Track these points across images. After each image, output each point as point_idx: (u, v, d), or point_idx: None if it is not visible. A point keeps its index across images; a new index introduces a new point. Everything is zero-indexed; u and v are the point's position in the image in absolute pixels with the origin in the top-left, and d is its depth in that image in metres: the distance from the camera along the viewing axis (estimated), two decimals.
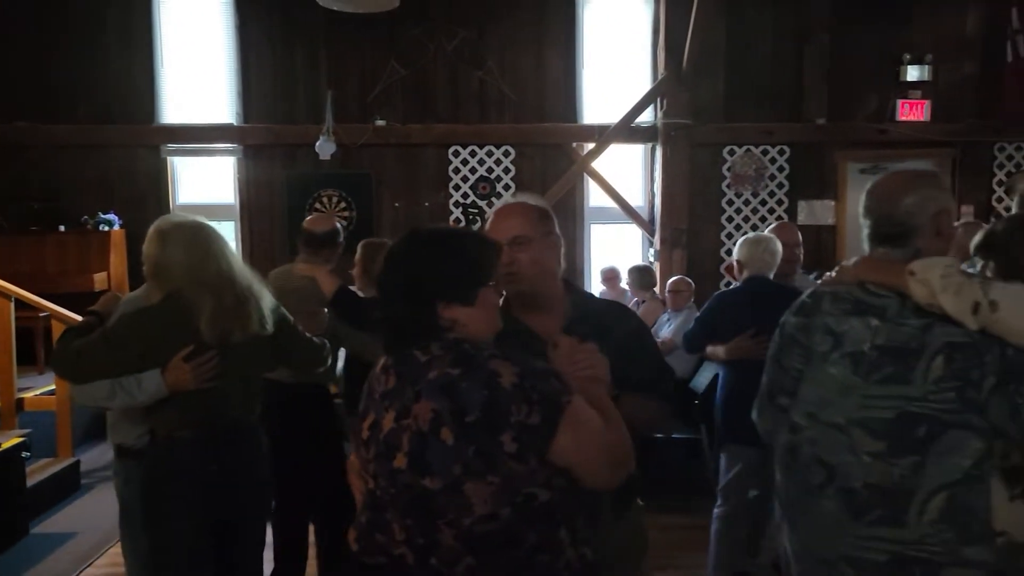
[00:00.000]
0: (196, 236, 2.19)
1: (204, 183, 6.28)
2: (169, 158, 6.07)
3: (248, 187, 6.06)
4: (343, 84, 5.94)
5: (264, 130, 5.97)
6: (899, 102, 6.03)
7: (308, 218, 3.38)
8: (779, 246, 3.41)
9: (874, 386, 1.66)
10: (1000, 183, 6.16)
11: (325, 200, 5.96)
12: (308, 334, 2.56)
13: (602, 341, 1.74)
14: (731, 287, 3.61)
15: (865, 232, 1.80)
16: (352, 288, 3.20)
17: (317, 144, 5.68)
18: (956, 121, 6.07)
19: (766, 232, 3.49)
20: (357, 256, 3.38)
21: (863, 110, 6.12)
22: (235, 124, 6.03)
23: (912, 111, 6.03)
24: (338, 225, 3.35)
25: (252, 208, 6.02)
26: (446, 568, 1.35)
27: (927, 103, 6.03)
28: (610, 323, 1.88)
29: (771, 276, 3.35)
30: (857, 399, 1.68)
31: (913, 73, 6.00)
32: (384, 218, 5.99)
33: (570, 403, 1.38)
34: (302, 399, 2.91)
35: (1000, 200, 6.17)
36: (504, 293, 1.70)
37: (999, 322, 1.51)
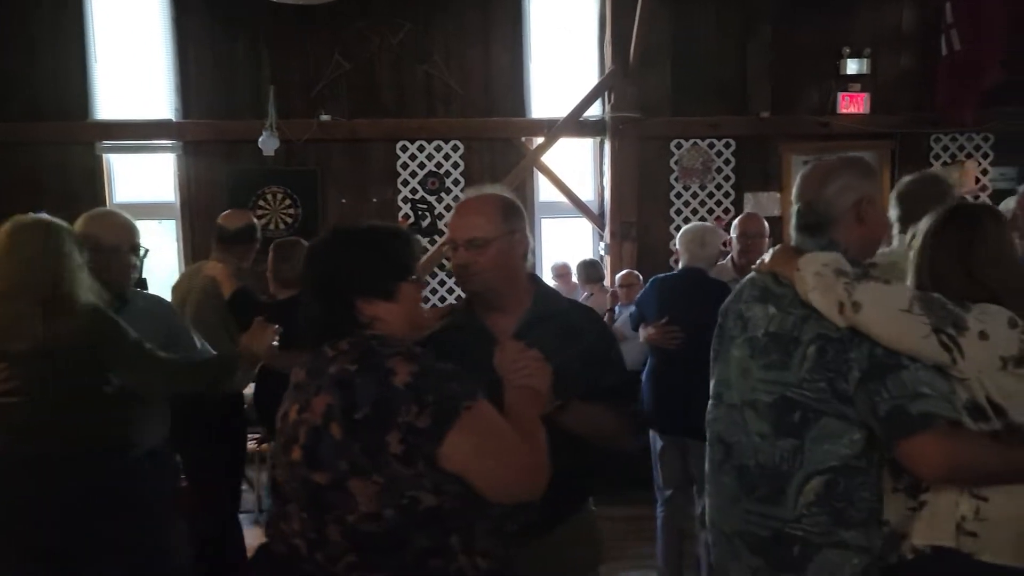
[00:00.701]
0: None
1: (142, 181, 6.07)
2: (105, 155, 5.85)
3: (189, 185, 5.88)
4: (286, 78, 5.80)
5: (205, 126, 5.80)
6: (840, 95, 6.14)
7: (223, 213, 3.26)
8: (714, 237, 3.44)
9: (762, 370, 1.73)
10: None
11: (270, 197, 5.83)
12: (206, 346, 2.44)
13: (564, 344, 1.73)
14: (668, 273, 3.68)
15: (792, 221, 1.84)
16: (248, 289, 3.11)
17: (260, 140, 5.55)
18: (894, 113, 6.21)
19: (737, 221, 3.55)
20: (269, 257, 3.32)
21: (806, 103, 6.22)
22: (174, 120, 5.85)
23: (852, 104, 6.16)
24: (254, 221, 3.26)
25: (193, 206, 5.85)
26: (330, 564, 1.34)
27: (867, 96, 6.16)
28: (575, 326, 1.82)
29: (707, 267, 3.37)
30: (751, 382, 1.75)
31: (853, 66, 6.12)
32: (331, 214, 5.88)
33: (469, 409, 1.32)
34: (209, 404, 2.76)
35: None
36: (424, 285, 1.69)
37: (861, 322, 1.55)
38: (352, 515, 1.32)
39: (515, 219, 1.79)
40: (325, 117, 5.76)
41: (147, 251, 2.47)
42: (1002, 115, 6.06)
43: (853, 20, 6.18)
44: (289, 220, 5.83)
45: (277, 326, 2.31)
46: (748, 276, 1.91)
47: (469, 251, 1.73)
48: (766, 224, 3.63)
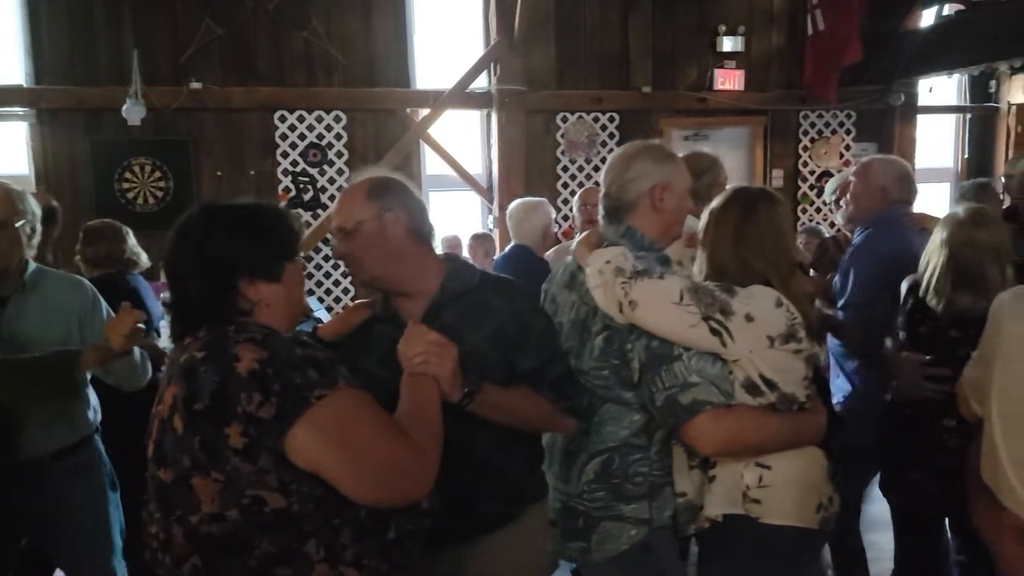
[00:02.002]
0: None
1: None
2: None
3: (45, 156, 5.44)
4: (152, 43, 5.45)
5: (61, 92, 5.37)
6: (716, 72, 6.36)
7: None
8: (536, 213, 3.40)
9: (574, 359, 1.81)
10: (805, 148, 6.68)
11: (137, 169, 5.47)
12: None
13: (474, 325, 1.66)
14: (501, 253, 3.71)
15: None
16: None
17: (124, 108, 5.19)
18: (766, 90, 6.50)
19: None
20: (79, 239, 3.31)
21: (685, 79, 6.41)
22: (25, 86, 5.39)
23: (728, 80, 6.38)
24: (54, 204, 3.31)
25: (51, 179, 5.41)
26: (175, 567, 1.24)
27: (741, 73, 6.40)
28: (486, 304, 1.69)
29: (532, 243, 3.34)
30: None
31: (728, 44, 6.34)
32: (205, 187, 5.59)
33: (322, 399, 1.20)
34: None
35: (805, 164, 6.70)
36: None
37: (639, 319, 1.65)
38: (195, 516, 1.22)
39: (386, 197, 1.65)
40: (196, 84, 5.45)
41: (54, 211, 2.25)
42: (862, 94, 6.45)
43: None
44: (159, 194, 5.50)
45: (142, 312, 2.16)
46: (567, 258, 1.97)
47: (342, 241, 1.64)
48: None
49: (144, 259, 3.50)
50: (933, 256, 2.23)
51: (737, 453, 1.71)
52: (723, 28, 6.34)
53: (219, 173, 5.64)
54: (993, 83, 6.96)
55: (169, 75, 5.48)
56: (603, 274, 1.67)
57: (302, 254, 1.46)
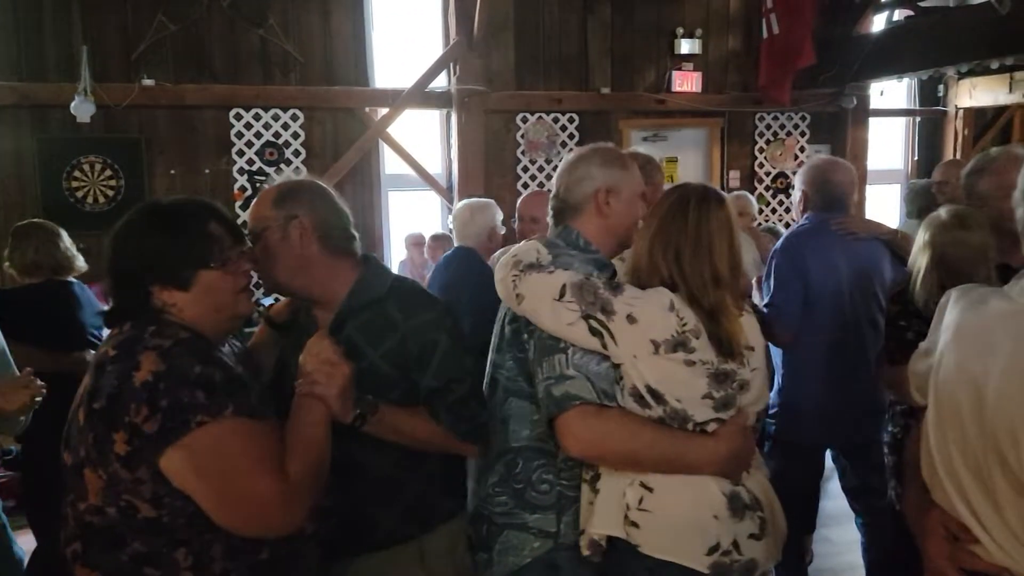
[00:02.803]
0: None
1: None
2: None
3: None
4: (102, 38, 5.31)
5: (6, 88, 5.20)
6: (674, 74, 6.42)
7: None
8: (481, 215, 3.31)
9: (492, 352, 1.79)
10: (760, 150, 6.79)
11: (87, 168, 5.33)
12: None
13: (376, 340, 1.55)
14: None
15: None
16: None
17: (73, 105, 5.04)
18: (723, 92, 6.59)
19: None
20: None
21: (643, 81, 6.46)
22: None
23: (686, 82, 6.45)
24: None
25: None
26: (65, 546, 1.30)
27: (699, 75, 6.48)
28: (389, 318, 1.59)
29: (476, 244, 3.27)
30: (492, 364, 1.79)
31: (686, 47, 6.41)
32: (159, 187, 5.47)
33: (202, 426, 1.20)
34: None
35: (761, 166, 6.80)
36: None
37: (528, 312, 1.61)
38: (83, 503, 1.26)
39: (293, 204, 1.57)
40: (148, 81, 5.33)
41: None
42: (816, 97, 6.57)
43: (686, 1, 6.46)
44: (110, 193, 5.37)
45: (42, 385, 2.09)
46: None
47: (253, 245, 1.58)
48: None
49: (80, 263, 3.27)
50: (918, 259, 2.21)
51: (605, 459, 1.58)
52: (680, 31, 6.41)
53: (173, 172, 5.52)
54: (941, 87, 7.16)
55: (120, 72, 5.35)
56: (504, 267, 1.65)
57: (226, 262, 1.38)
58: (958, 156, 6.93)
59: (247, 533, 1.27)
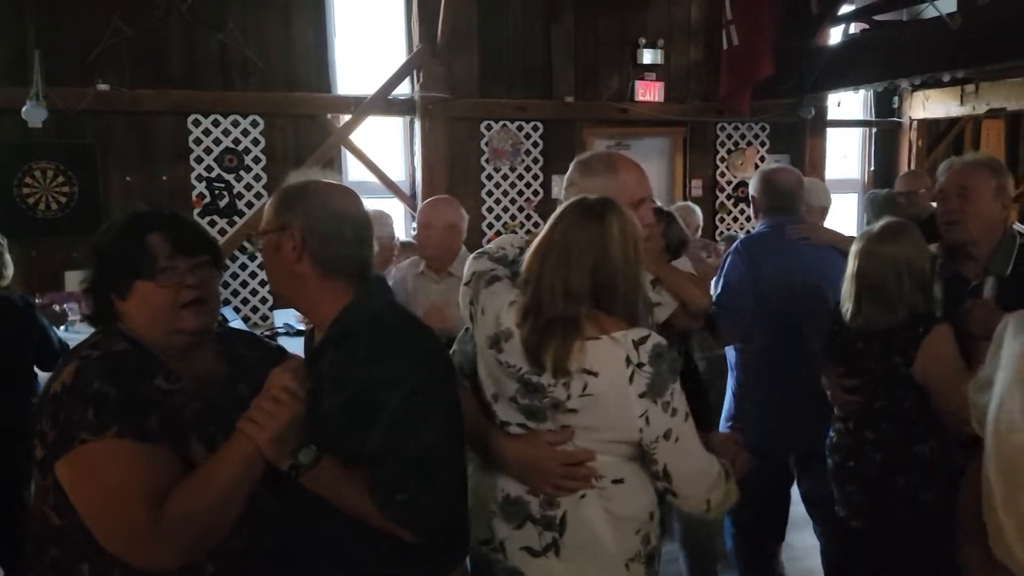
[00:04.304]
0: None
1: None
2: None
3: None
4: (54, 42, 5.18)
5: None
6: (637, 83, 6.47)
7: None
8: (380, 227, 3.39)
9: None
10: (722, 159, 6.87)
11: (38, 174, 5.19)
12: None
13: (338, 385, 1.38)
14: None
15: None
16: None
17: (24, 110, 4.91)
18: (685, 102, 6.66)
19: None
20: None
21: (607, 90, 6.50)
22: None
23: (649, 92, 6.51)
24: None
25: None
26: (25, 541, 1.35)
27: (661, 85, 6.54)
28: (360, 359, 1.37)
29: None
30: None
31: (648, 56, 6.47)
32: (113, 193, 5.34)
33: (85, 444, 1.19)
34: None
35: (722, 175, 6.89)
36: None
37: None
38: (35, 502, 1.32)
39: (290, 212, 1.41)
40: (103, 86, 5.21)
41: None
42: (775, 107, 6.68)
43: (648, 12, 6.53)
44: (63, 199, 5.23)
45: None
46: None
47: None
48: (461, 213, 3.32)
49: (9, 273, 3.16)
50: (847, 269, 2.29)
51: None
52: (643, 41, 6.47)
53: (128, 178, 5.40)
54: (896, 99, 7.33)
55: (74, 76, 5.22)
56: (470, 268, 1.78)
57: (163, 276, 1.35)
58: (913, 166, 7.10)
59: (122, 558, 1.23)
